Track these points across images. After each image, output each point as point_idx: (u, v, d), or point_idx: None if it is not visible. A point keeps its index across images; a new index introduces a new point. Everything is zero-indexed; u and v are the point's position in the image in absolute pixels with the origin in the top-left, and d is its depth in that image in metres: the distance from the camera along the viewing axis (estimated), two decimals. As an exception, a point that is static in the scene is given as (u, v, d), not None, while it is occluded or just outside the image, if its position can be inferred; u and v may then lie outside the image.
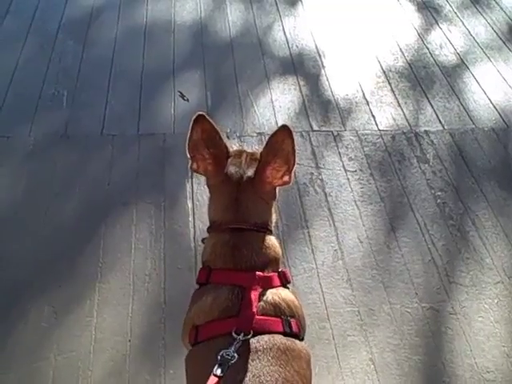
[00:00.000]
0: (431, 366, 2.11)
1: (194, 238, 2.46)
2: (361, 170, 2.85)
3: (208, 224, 1.45)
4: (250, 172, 1.37)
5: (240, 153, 1.43)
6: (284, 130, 1.30)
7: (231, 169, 1.36)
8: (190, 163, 1.38)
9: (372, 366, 2.08)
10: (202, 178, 2.57)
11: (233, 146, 1.47)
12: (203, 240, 1.55)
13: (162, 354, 2.06)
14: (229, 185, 1.36)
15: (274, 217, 1.46)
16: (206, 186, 1.48)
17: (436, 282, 2.39)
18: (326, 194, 2.71)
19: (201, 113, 1.30)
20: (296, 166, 1.36)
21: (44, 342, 2.07)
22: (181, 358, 1.99)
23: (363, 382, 2.04)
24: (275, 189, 1.44)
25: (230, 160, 1.37)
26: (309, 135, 3.02)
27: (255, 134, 2.96)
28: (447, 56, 3.74)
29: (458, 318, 2.27)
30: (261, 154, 1.36)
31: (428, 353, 2.15)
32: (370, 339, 2.17)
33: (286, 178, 1.39)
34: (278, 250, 1.39)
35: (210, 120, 1.32)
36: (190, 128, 1.32)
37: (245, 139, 2.94)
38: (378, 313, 2.26)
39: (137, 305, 2.21)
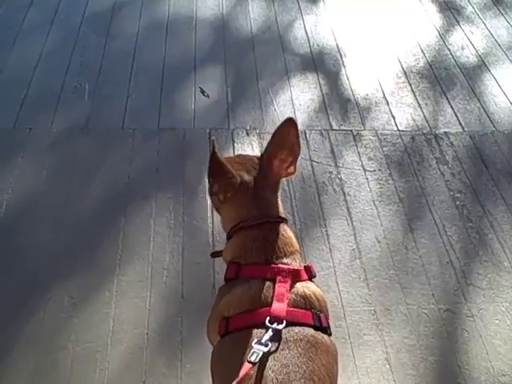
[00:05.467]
0: (447, 368, 2.11)
1: (212, 234, 2.47)
2: (380, 170, 2.85)
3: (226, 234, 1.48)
4: (259, 170, 1.43)
5: (232, 159, 1.49)
6: (288, 122, 1.35)
7: (242, 174, 1.40)
8: (209, 188, 1.43)
9: (387, 365, 2.09)
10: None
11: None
12: (214, 254, 1.59)
13: (178, 348, 2.08)
14: (246, 188, 1.39)
15: (281, 205, 1.49)
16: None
17: (453, 284, 2.39)
18: (344, 193, 2.71)
19: (212, 138, 1.35)
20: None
21: (62, 332, 2.10)
22: (197, 352, 2.03)
23: (378, 382, 2.05)
24: (280, 180, 1.49)
25: (231, 169, 1.39)
26: (328, 134, 3.02)
27: (275, 132, 2.96)
28: (468, 57, 3.72)
29: (474, 320, 2.26)
30: (266, 147, 1.41)
31: (444, 354, 2.15)
32: (386, 339, 2.17)
33: (291, 169, 1.44)
34: (296, 240, 1.42)
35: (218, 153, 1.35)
36: (210, 157, 1.35)
37: (264, 136, 2.95)
38: (394, 313, 2.26)
39: (155, 298, 2.23)
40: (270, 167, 1.42)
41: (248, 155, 1.53)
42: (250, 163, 1.45)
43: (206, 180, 1.43)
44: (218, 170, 1.37)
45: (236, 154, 2.72)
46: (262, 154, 1.45)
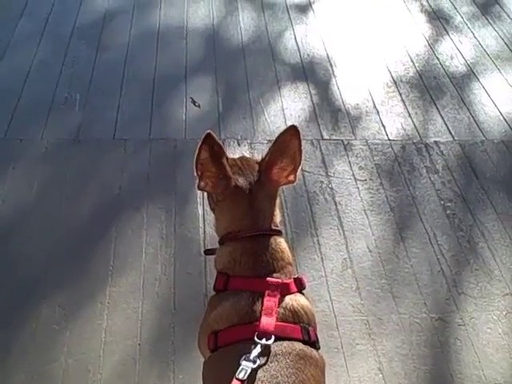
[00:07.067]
0: (439, 377, 2.12)
1: (204, 244, 2.47)
2: (371, 180, 2.86)
3: (218, 238, 1.46)
4: (256, 176, 1.40)
5: (234, 161, 1.46)
6: (291, 130, 1.34)
7: (238, 178, 1.39)
8: (197, 182, 1.39)
9: (380, 375, 2.09)
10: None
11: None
12: (207, 252, 1.58)
13: (171, 359, 2.07)
14: (240, 194, 1.38)
15: (279, 214, 1.48)
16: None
17: (445, 293, 2.40)
18: (335, 203, 2.72)
19: (209, 131, 1.31)
20: (304, 171, 1.38)
21: (54, 344, 2.09)
22: (190, 363, 2.03)
23: (371, 391, 2.06)
24: (278, 187, 1.47)
25: (229, 170, 1.38)
26: (319, 143, 3.03)
27: (266, 142, 2.97)
28: (458, 67, 3.75)
29: (466, 329, 2.27)
30: (267, 153, 1.39)
31: (436, 363, 2.15)
32: (379, 348, 2.17)
33: (291, 178, 1.42)
34: (289, 252, 1.41)
35: (216, 138, 1.32)
36: (198, 147, 1.32)
37: (255, 146, 2.95)
38: (386, 322, 2.27)
39: (147, 309, 2.22)
40: (269, 174, 1.40)
41: (251, 159, 1.50)
42: (250, 169, 1.43)
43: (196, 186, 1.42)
44: (207, 164, 1.34)
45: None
46: (261, 160, 1.43)
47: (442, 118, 3.32)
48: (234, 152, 2.90)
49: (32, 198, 2.60)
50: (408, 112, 3.34)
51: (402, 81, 3.59)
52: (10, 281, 2.28)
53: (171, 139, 2.97)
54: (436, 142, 3.13)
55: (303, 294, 1.34)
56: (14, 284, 2.27)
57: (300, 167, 1.41)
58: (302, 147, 1.37)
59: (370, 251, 2.53)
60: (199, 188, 1.40)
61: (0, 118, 3.00)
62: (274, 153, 1.37)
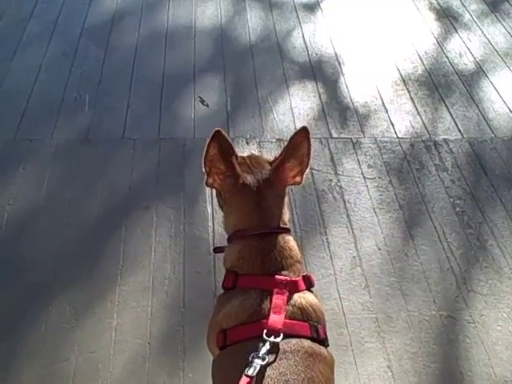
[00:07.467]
0: (449, 375, 2.11)
1: (213, 243, 2.48)
2: (379, 178, 2.86)
3: (227, 235, 1.47)
4: (265, 174, 1.41)
5: (243, 159, 1.47)
6: (302, 132, 1.36)
7: (247, 176, 1.39)
8: (205, 179, 1.40)
9: (390, 373, 2.09)
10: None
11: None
12: (216, 249, 1.58)
13: (180, 358, 2.08)
14: (248, 192, 1.38)
15: (287, 212, 1.48)
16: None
17: (454, 291, 2.39)
18: (344, 201, 2.72)
19: (218, 128, 1.31)
20: (310, 169, 1.38)
21: (65, 342, 2.10)
22: (199, 361, 2.03)
23: (380, 389, 2.06)
24: (286, 187, 1.48)
25: (238, 168, 1.38)
26: (328, 142, 3.03)
27: (274, 140, 2.98)
28: (467, 64, 3.74)
29: (476, 326, 2.27)
30: (281, 153, 1.40)
31: (446, 361, 2.15)
32: (388, 346, 2.17)
33: (297, 179, 1.44)
34: (298, 250, 1.41)
35: (226, 135, 1.33)
36: (207, 143, 1.33)
37: (264, 145, 2.96)
38: (395, 320, 2.26)
39: (156, 308, 2.23)
40: (278, 174, 1.40)
41: (260, 157, 1.51)
42: (259, 167, 1.43)
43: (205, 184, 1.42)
44: (216, 160, 1.35)
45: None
46: (273, 159, 1.44)
47: (451, 115, 3.31)
48: (242, 151, 2.91)
49: (42, 198, 2.62)
50: (417, 110, 3.33)
51: (410, 79, 3.58)
52: (21, 279, 2.30)
53: (180, 138, 2.98)
54: (445, 140, 3.13)
55: (312, 292, 1.34)
56: (24, 283, 2.28)
57: (307, 169, 1.42)
58: (312, 150, 1.39)
59: (379, 249, 2.53)
60: (207, 184, 1.41)
61: (10, 119, 3.02)
62: (285, 153, 1.38)
